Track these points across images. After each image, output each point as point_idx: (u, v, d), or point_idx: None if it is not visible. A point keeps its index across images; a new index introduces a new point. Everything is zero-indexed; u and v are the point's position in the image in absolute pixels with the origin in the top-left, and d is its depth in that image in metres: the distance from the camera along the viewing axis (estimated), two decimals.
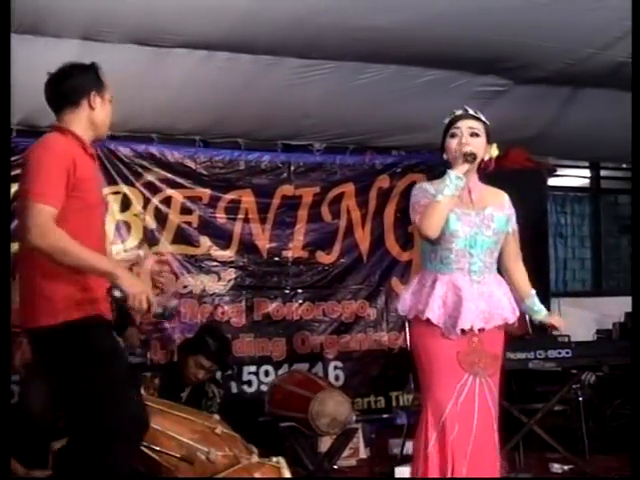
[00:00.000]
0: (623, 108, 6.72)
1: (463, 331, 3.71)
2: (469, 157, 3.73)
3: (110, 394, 3.41)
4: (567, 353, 5.62)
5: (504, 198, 3.95)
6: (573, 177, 9.47)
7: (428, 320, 3.74)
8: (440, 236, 3.74)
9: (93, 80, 3.61)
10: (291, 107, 6.61)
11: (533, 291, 3.98)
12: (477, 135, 3.81)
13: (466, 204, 3.82)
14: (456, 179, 3.70)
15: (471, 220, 3.79)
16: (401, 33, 5.45)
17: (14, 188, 6.12)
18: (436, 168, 7.74)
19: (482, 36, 5.60)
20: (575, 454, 5.72)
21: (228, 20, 5.24)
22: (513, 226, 3.94)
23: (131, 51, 5.59)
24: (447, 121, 3.88)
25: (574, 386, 5.98)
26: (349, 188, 7.65)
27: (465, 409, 3.69)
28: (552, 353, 5.57)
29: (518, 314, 3.88)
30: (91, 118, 3.58)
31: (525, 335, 6.41)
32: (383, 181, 7.82)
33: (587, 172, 9.50)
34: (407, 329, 4.05)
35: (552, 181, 8.61)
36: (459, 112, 3.87)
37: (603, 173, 9.50)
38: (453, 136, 3.82)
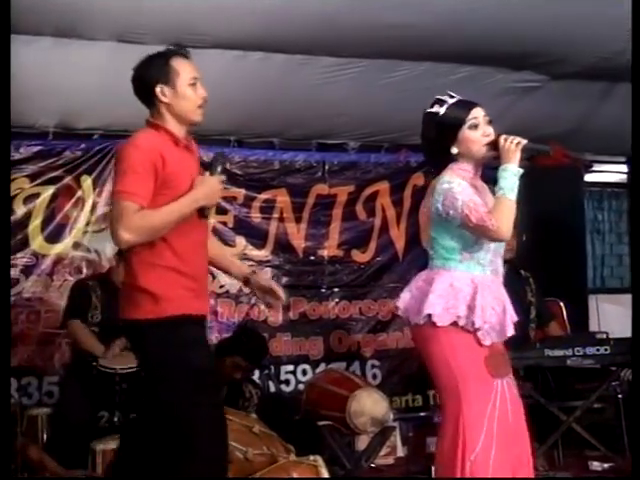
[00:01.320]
0: None
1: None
2: (531, 152, 3.59)
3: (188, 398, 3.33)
4: (605, 350, 5.56)
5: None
6: (610, 172, 9.38)
7: (460, 328, 3.50)
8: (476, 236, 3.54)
9: (157, 72, 3.48)
10: (324, 106, 6.61)
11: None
12: (491, 122, 3.61)
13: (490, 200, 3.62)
14: (519, 174, 3.49)
15: None
16: (433, 30, 5.44)
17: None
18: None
19: (515, 31, 5.58)
20: (614, 452, 5.67)
21: (260, 19, 5.25)
22: None
23: None
24: (444, 111, 3.61)
25: (613, 383, 5.91)
26: (384, 186, 7.63)
27: (502, 417, 3.54)
28: (590, 350, 5.52)
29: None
30: (169, 111, 3.48)
31: (564, 334, 6.42)
32: (418, 179, 7.79)
33: (624, 167, 9.40)
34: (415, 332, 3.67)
35: (589, 177, 8.55)
36: (451, 99, 3.63)
37: None
38: (474, 127, 3.57)
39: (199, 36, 5.48)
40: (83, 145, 6.67)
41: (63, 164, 6.58)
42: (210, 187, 3.43)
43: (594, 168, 8.60)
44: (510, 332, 3.56)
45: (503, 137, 3.54)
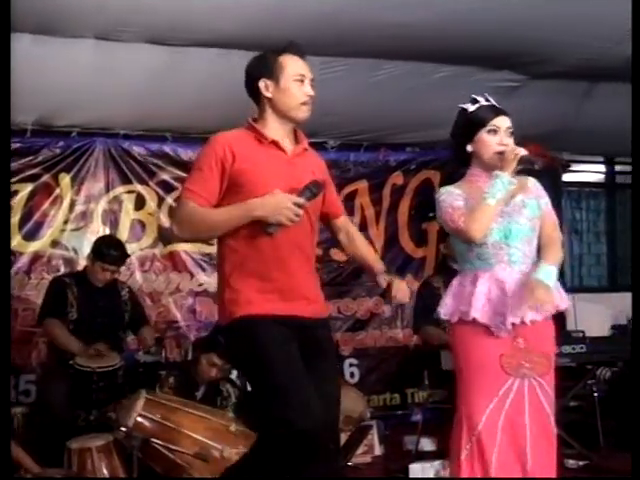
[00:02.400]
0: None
1: (513, 325, 3.59)
2: (527, 163, 3.62)
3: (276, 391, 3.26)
4: (582, 348, 5.59)
5: (529, 182, 3.78)
6: (588, 172, 9.43)
7: (473, 322, 3.61)
8: None
9: (262, 66, 3.46)
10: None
11: (549, 262, 3.66)
12: (512, 134, 3.70)
13: None
14: (509, 183, 3.58)
15: (502, 210, 3.64)
16: (416, 30, 5.44)
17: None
18: (450, 164, 7.79)
19: (497, 31, 5.59)
20: (591, 450, 5.70)
21: (243, 18, 5.24)
22: (545, 209, 3.76)
23: (146, 50, 5.61)
24: (473, 109, 3.73)
25: (589, 382, 5.95)
26: (363, 185, 7.66)
27: (514, 415, 3.59)
28: (566, 349, 5.55)
29: (568, 302, 3.75)
30: (271, 106, 3.46)
31: None
32: (397, 178, 7.82)
33: (602, 167, 9.46)
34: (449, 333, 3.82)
35: (567, 177, 8.59)
36: (484, 102, 3.74)
37: (618, 168, 9.46)
38: (493, 132, 3.66)
39: (181, 34, 5.48)
40: (61, 143, 6.66)
41: (41, 162, 6.58)
42: (275, 202, 3.25)
43: (572, 168, 8.63)
44: (514, 319, 3.58)
45: (509, 148, 3.63)
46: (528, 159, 3.62)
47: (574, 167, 8.77)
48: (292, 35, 5.46)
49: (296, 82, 3.44)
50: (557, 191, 7.82)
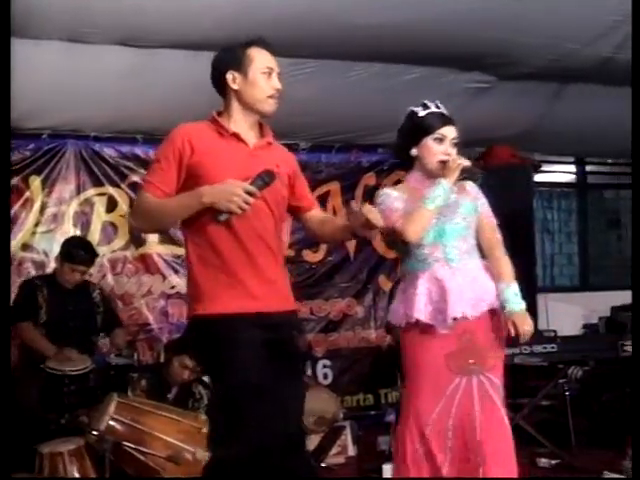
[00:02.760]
0: (608, 103, 6.79)
1: (457, 321, 3.63)
2: (468, 174, 3.69)
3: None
4: (553, 348, 5.64)
5: (467, 185, 3.84)
6: (559, 173, 9.48)
7: (417, 324, 3.67)
8: None
9: (231, 58, 3.43)
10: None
11: (507, 282, 3.76)
12: (456, 145, 3.77)
13: None
14: (450, 191, 3.67)
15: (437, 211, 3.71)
16: (386, 31, 5.45)
17: None
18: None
19: (466, 33, 5.61)
20: (562, 448, 5.73)
21: (212, 19, 5.23)
22: (482, 211, 3.85)
23: (115, 52, 5.59)
24: (423, 114, 3.77)
25: (561, 381, 5.98)
26: (335, 186, 7.66)
27: (463, 414, 3.63)
28: (538, 348, 5.59)
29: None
30: (237, 98, 3.43)
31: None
32: (369, 179, 7.83)
33: (573, 167, 9.52)
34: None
35: (538, 177, 8.63)
36: (433, 108, 3.78)
37: (589, 168, 9.52)
38: (439, 141, 3.73)
39: (150, 36, 5.47)
40: (32, 145, 6.62)
41: (11, 164, 6.51)
42: (225, 189, 3.20)
43: (543, 168, 8.68)
44: (455, 314, 3.62)
45: (452, 157, 3.70)
46: (470, 169, 3.70)
47: (545, 167, 8.81)
48: (263, 36, 5.51)
49: (264, 75, 3.43)
50: (528, 191, 7.87)
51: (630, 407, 4.66)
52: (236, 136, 3.43)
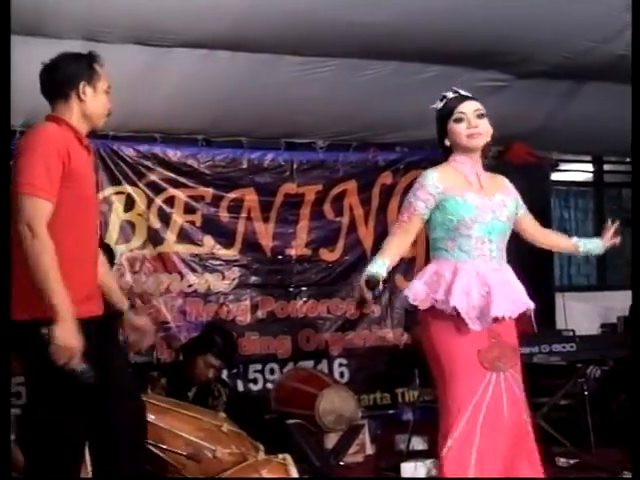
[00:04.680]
0: (624, 101, 6.75)
1: (496, 320, 3.60)
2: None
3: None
4: (572, 347, 5.62)
5: (506, 182, 3.87)
6: (576, 171, 9.46)
7: (443, 312, 3.60)
8: (459, 223, 3.66)
9: (84, 70, 3.50)
10: (292, 105, 6.62)
11: (574, 238, 4.05)
12: (483, 116, 3.73)
13: (477, 190, 3.72)
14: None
15: (487, 205, 3.69)
16: (401, 29, 5.46)
17: None
18: (439, 163, 7.79)
19: (482, 31, 5.61)
20: (581, 448, 5.72)
21: (227, 18, 5.24)
22: (522, 205, 3.87)
23: (132, 51, 5.60)
24: (441, 105, 3.79)
25: (579, 380, 5.96)
26: (352, 185, 7.66)
27: (494, 409, 3.59)
28: (557, 347, 5.57)
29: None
30: (82, 109, 3.48)
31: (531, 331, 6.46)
32: (386, 178, 7.82)
33: (590, 166, 9.49)
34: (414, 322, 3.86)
35: (555, 176, 8.62)
36: (451, 95, 3.79)
37: (606, 167, 9.50)
38: (459, 120, 3.70)
39: (166, 35, 5.48)
40: None
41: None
42: (69, 340, 3.14)
43: (560, 167, 8.66)
44: (497, 313, 3.59)
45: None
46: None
47: (562, 166, 8.80)
48: (277, 35, 5.53)
49: (106, 93, 3.55)
50: (546, 190, 7.85)
51: (631, 407, 4.66)
52: (87, 147, 3.56)
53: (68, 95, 3.48)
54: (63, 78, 3.50)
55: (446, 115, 3.76)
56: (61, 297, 3.15)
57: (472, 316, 3.60)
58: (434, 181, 3.71)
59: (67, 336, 3.13)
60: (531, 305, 3.75)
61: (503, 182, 3.87)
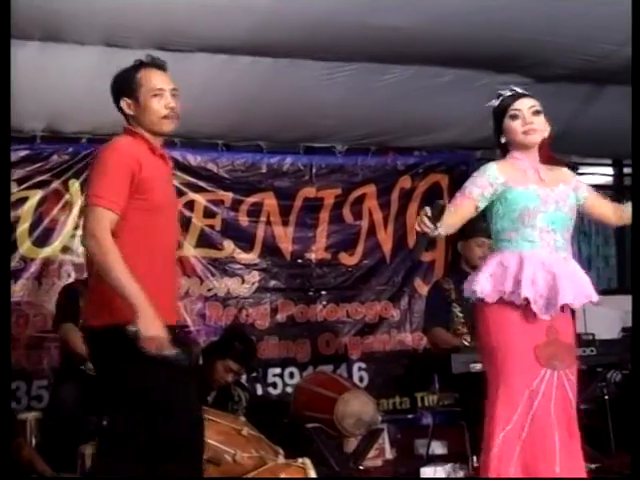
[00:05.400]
0: None
1: (562, 309, 3.62)
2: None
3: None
4: (592, 351, 5.59)
5: (566, 172, 3.89)
6: (596, 175, 9.43)
7: (509, 305, 3.61)
8: (522, 213, 3.68)
9: (122, 85, 3.54)
10: (312, 109, 6.63)
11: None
12: (539, 112, 3.76)
13: (537, 182, 3.75)
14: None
15: (550, 196, 3.71)
16: (421, 33, 5.46)
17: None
18: (458, 167, 7.80)
19: (501, 34, 5.61)
20: (601, 452, 5.69)
21: (247, 24, 5.26)
22: (587, 189, 3.91)
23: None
24: (497, 103, 3.81)
25: (600, 384, 5.95)
26: (371, 189, 7.66)
27: (542, 407, 3.60)
28: (576, 351, 5.54)
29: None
30: (137, 121, 3.51)
31: None
32: (405, 182, 7.82)
33: (610, 170, 9.46)
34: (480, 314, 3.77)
35: None
36: (508, 92, 3.81)
37: (626, 170, 9.46)
38: (514, 118, 3.73)
39: (186, 40, 5.50)
40: (71, 149, 6.67)
41: (51, 168, 6.58)
42: (155, 327, 3.24)
43: (580, 170, 8.61)
44: (566, 300, 3.61)
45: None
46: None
47: (582, 169, 8.75)
48: (297, 40, 5.54)
49: (154, 97, 3.50)
50: None
51: (632, 408, 4.64)
52: (161, 156, 3.58)
53: (122, 112, 3.53)
54: (114, 98, 3.56)
55: (501, 113, 3.78)
56: (135, 292, 3.23)
57: (540, 305, 3.61)
58: (495, 172, 3.73)
59: (151, 327, 3.20)
60: (594, 298, 3.74)
61: (563, 173, 3.88)
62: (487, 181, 3.71)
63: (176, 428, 3.41)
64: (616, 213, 3.95)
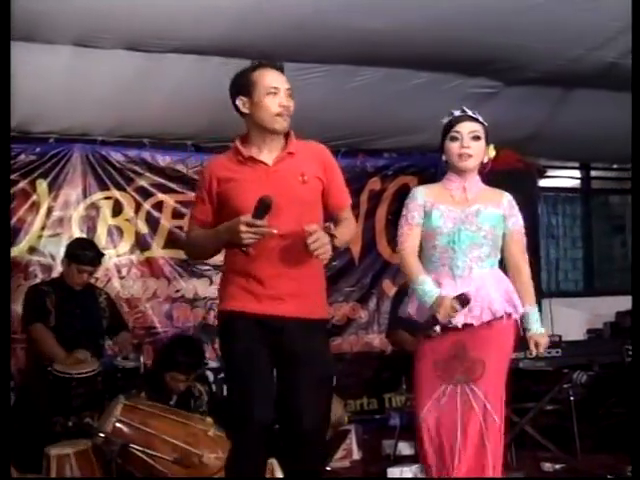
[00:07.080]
0: (613, 109, 6.80)
1: (447, 329, 3.70)
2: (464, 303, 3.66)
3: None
4: (557, 352, 5.64)
5: (502, 198, 3.86)
6: (564, 178, 9.50)
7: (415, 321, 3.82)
8: (425, 234, 3.82)
9: (238, 85, 3.61)
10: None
11: (531, 306, 3.90)
12: (478, 138, 3.79)
13: (459, 202, 3.80)
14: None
15: (455, 216, 3.77)
16: (392, 35, 5.46)
17: None
18: (427, 170, 7.83)
19: (472, 38, 5.62)
20: (567, 453, 5.74)
21: (219, 25, 5.25)
22: (511, 227, 3.85)
23: (123, 57, 5.60)
24: (446, 121, 3.85)
25: (565, 385, 5.99)
26: None
27: (447, 421, 3.68)
28: (542, 353, 5.58)
29: (517, 310, 3.79)
30: (252, 121, 3.59)
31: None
32: (374, 184, 7.84)
33: (578, 173, 9.53)
34: None
35: (543, 182, 8.66)
36: (458, 113, 3.84)
37: (594, 173, 9.54)
38: (453, 139, 3.79)
39: (158, 41, 5.47)
40: (38, 149, 6.65)
41: (18, 168, 6.55)
42: (230, 228, 3.40)
43: (548, 173, 8.69)
44: (441, 320, 3.67)
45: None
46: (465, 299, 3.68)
47: (550, 172, 8.83)
48: (269, 41, 5.53)
49: (269, 95, 3.54)
50: (533, 196, 7.87)
51: (630, 408, 4.68)
52: (252, 159, 3.58)
53: (239, 112, 3.62)
54: (231, 98, 3.64)
55: (444, 133, 3.85)
56: (211, 236, 3.61)
57: (429, 324, 3.73)
58: (422, 195, 3.86)
59: (233, 228, 3.39)
60: (498, 313, 3.74)
61: (497, 197, 3.88)
62: (416, 204, 3.85)
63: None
64: (511, 270, 3.93)
